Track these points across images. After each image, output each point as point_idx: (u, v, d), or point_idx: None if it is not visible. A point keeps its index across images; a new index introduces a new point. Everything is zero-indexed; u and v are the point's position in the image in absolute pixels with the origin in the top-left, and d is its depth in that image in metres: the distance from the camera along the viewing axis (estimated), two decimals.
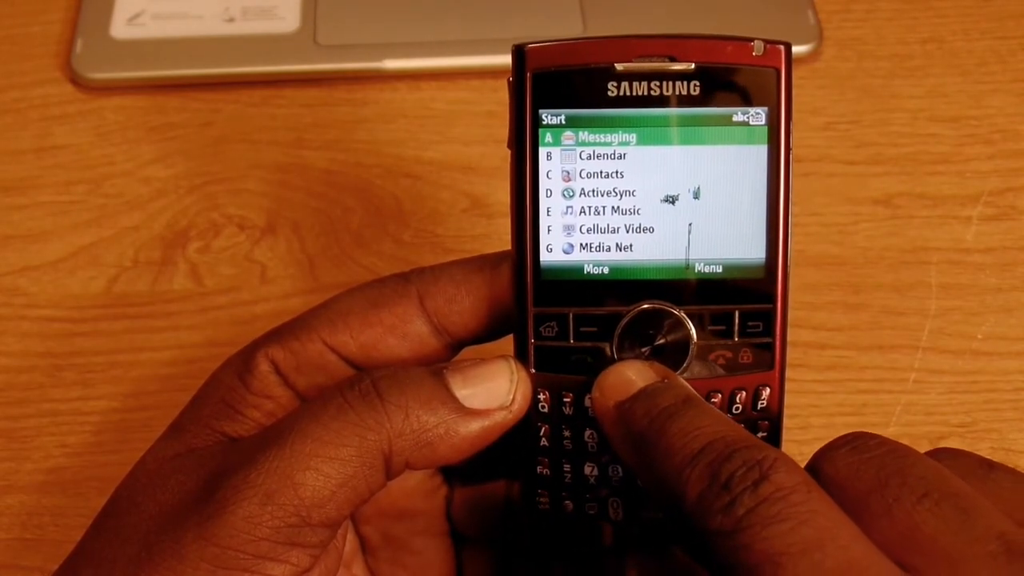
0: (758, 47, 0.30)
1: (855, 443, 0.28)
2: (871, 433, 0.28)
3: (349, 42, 0.56)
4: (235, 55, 0.56)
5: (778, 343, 0.32)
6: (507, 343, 0.33)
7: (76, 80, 0.55)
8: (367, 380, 0.30)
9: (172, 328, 0.48)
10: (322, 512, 0.29)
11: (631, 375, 0.31)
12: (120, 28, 0.57)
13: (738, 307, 0.31)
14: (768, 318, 0.31)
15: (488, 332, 0.33)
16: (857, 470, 0.27)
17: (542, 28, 0.56)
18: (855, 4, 0.59)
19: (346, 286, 0.49)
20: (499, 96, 0.56)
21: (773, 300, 0.31)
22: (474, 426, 0.30)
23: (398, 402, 0.30)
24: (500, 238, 0.50)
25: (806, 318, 0.48)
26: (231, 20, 0.57)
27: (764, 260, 0.31)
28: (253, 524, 0.28)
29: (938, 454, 0.29)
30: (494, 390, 0.31)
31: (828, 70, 0.57)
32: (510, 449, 0.32)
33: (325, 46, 0.56)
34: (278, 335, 0.32)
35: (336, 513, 0.29)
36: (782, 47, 0.30)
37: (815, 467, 0.28)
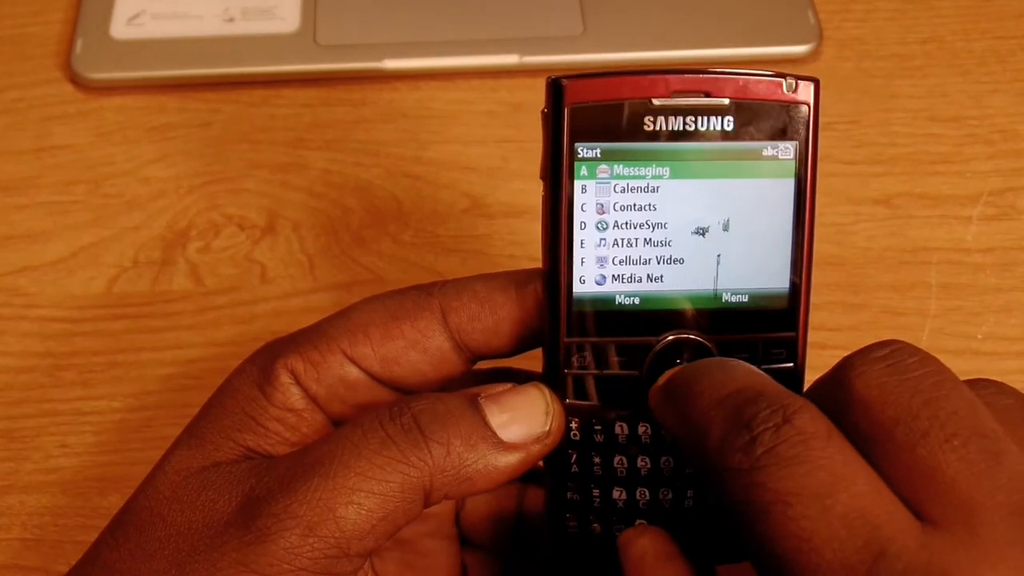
0: (788, 84, 0.31)
1: (892, 359, 0.27)
2: (911, 347, 0.27)
3: (349, 42, 0.56)
4: (235, 55, 0.56)
5: (800, 368, 0.32)
6: (525, 357, 0.33)
7: (76, 80, 0.55)
8: (408, 414, 0.30)
9: (172, 328, 0.48)
10: (361, 544, 0.29)
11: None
12: (120, 28, 0.57)
13: (763, 335, 0.32)
14: (791, 345, 0.32)
15: (510, 351, 0.33)
16: (889, 393, 0.26)
17: (542, 28, 0.56)
18: (855, 4, 0.59)
19: (346, 286, 0.50)
20: (499, 96, 0.56)
21: (796, 328, 0.32)
22: (512, 459, 0.31)
23: (440, 439, 0.30)
24: (500, 238, 0.50)
25: None
26: (231, 20, 0.57)
27: (788, 289, 0.32)
28: (294, 555, 0.28)
29: (979, 385, 0.28)
30: (531, 422, 0.31)
31: (828, 70, 0.56)
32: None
33: (325, 46, 0.56)
34: (296, 344, 0.32)
35: (374, 544, 0.29)
36: (812, 84, 0.31)
37: (845, 375, 0.27)
